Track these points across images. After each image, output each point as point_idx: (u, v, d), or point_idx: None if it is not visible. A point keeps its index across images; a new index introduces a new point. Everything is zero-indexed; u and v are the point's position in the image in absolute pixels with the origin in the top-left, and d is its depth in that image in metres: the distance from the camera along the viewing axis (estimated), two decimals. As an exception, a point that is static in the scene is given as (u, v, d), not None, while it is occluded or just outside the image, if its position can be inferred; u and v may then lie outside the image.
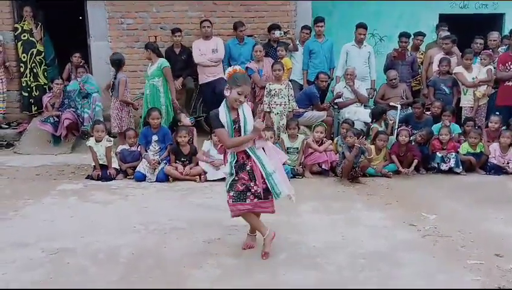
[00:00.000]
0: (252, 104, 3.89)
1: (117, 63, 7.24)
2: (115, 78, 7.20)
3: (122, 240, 4.08)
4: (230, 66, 7.93)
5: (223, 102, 3.65)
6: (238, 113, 3.61)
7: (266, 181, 3.62)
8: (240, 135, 3.61)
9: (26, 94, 8.65)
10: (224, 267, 3.56)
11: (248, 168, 3.65)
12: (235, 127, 3.60)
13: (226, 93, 3.61)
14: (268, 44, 8.34)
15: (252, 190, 3.64)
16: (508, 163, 6.63)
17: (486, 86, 7.54)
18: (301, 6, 8.77)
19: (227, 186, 3.69)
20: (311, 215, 4.82)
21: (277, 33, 8.07)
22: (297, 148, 6.65)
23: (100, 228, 4.41)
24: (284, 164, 6.22)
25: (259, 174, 3.62)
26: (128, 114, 7.31)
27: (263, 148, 3.70)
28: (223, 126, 3.59)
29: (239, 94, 3.55)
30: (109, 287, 3.26)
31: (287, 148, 6.65)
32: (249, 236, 3.96)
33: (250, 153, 3.64)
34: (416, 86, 8.75)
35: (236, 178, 3.64)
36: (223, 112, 3.61)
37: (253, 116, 3.80)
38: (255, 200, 3.66)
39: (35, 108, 8.64)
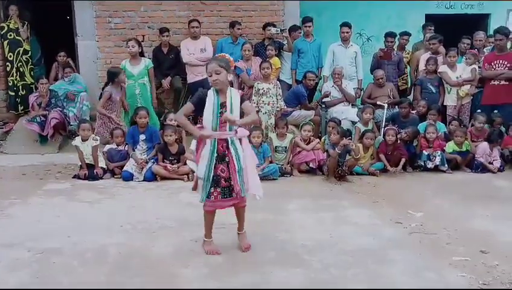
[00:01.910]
0: (242, 92, 3.88)
1: (109, 75, 7.19)
2: (102, 89, 7.19)
3: (109, 240, 4.06)
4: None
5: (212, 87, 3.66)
6: (226, 97, 3.60)
7: (237, 175, 3.66)
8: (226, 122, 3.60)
9: (13, 93, 8.53)
10: (212, 265, 3.56)
11: (227, 159, 3.65)
12: (221, 111, 3.58)
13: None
14: (262, 43, 8.34)
15: (233, 183, 3.66)
16: (492, 162, 6.73)
17: (469, 85, 7.61)
18: (289, 6, 8.79)
19: (210, 182, 3.61)
20: (299, 213, 4.85)
21: (273, 30, 8.03)
22: (286, 147, 6.67)
23: (87, 227, 4.39)
24: (271, 162, 6.34)
25: (234, 168, 3.65)
26: (105, 125, 7.17)
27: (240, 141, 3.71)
28: (195, 103, 3.63)
29: (209, 76, 3.58)
30: (98, 287, 3.25)
31: (276, 147, 6.68)
32: (205, 242, 3.85)
33: (230, 144, 3.65)
34: (403, 85, 8.83)
35: (216, 173, 3.61)
36: (211, 94, 3.61)
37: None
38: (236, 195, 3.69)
39: (22, 107, 8.54)
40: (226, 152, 3.65)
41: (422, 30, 9.11)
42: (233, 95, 3.65)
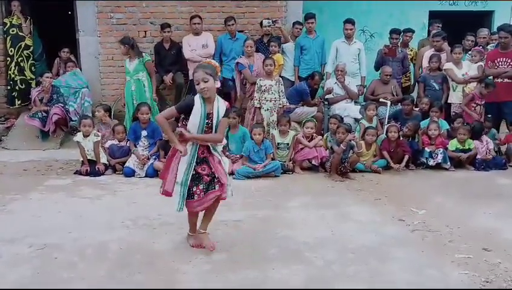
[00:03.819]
0: (229, 104, 3.82)
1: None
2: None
3: (110, 236, 4.05)
4: (222, 61, 8.01)
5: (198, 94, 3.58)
6: (213, 108, 3.54)
7: (220, 166, 3.63)
8: (211, 132, 3.55)
9: (9, 87, 8.50)
10: (213, 262, 3.55)
11: (207, 160, 3.62)
12: (207, 122, 3.52)
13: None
14: (261, 40, 8.31)
15: (216, 176, 3.61)
16: (487, 151, 6.81)
17: (476, 82, 7.57)
18: (292, 3, 8.76)
19: (187, 187, 3.56)
20: (300, 210, 4.82)
21: (265, 22, 8.04)
22: (288, 144, 6.66)
23: (88, 223, 4.38)
24: (273, 159, 6.33)
25: (216, 161, 3.62)
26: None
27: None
28: (180, 111, 3.56)
29: (196, 84, 3.51)
30: (99, 282, 3.23)
31: (278, 144, 6.66)
32: (190, 236, 3.85)
33: (212, 150, 3.62)
34: (406, 82, 8.80)
35: (198, 171, 3.57)
36: (198, 102, 3.51)
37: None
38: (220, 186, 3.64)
39: (19, 102, 8.50)
40: (208, 156, 3.62)
41: (429, 27, 9.07)
42: (220, 106, 3.58)
